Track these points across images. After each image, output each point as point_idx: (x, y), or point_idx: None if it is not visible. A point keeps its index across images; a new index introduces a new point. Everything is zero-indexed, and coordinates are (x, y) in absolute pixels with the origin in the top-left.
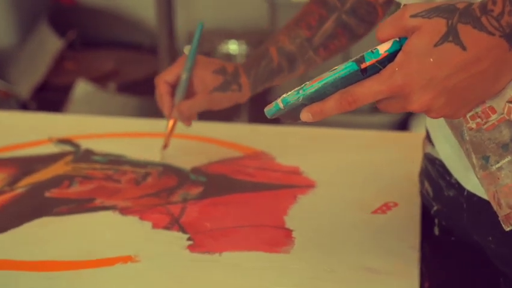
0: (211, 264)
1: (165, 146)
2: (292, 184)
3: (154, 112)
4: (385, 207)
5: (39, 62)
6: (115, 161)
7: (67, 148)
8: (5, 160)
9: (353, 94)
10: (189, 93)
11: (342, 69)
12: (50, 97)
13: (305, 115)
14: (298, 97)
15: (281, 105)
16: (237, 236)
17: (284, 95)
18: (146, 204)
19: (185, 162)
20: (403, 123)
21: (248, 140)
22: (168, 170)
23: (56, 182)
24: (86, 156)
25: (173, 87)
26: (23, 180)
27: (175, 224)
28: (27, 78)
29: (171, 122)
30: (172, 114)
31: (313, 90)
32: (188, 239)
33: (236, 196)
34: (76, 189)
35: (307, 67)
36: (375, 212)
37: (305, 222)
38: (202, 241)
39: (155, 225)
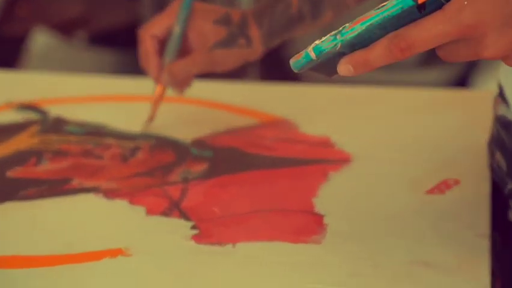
0: (223, 258)
1: (151, 118)
2: (322, 158)
3: (134, 70)
4: (444, 186)
5: None
6: (95, 132)
7: (31, 116)
8: None
9: (408, 38)
10: (183, 51)
11: (392, 5)
12: (1, 50)
13: (344, 67)
14: (336, 44)
15: (313, 55)
16: (253, 223)
17: (316, 42)
18: (136, 186)
19: (184, 133)
20: (461, 81)
21: (264, 104)
22: (163, 143)
23: (20, 158)
24: (57, 126)
25: (162, 43)
26: None
27: (174, 209)
28: None
29: (159, 88)
30: (161, 78)
31: (354, 34)
32: (193, 227)
33: (251, 174)
34: (46, 167)
35: (336, 13)
36: (430, 191)
37: (339, 206)
38: (209, 230)
39: (149, 211)
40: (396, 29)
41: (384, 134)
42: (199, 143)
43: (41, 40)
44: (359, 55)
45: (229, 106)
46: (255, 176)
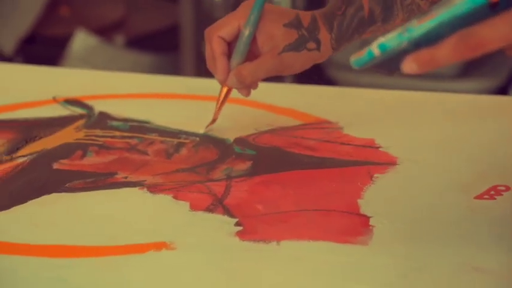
0: (267, 255)
1: (214, 120)
2: (367, 160)
3: (172, 73)
4: (493, 192)
5: (26, 7)
6: (139, 127)
7: (77, 110)
8: (1, 122)
9: (478, 36)
10: (250, 54)
11: (464, 3)
12: (39, 52)
13: (409, 65)
14: (401, 42)
15: (376, 53)
16: (298, 222)
17: (381, 39)
18: (181, 181)
19: (227, 132)
20: (501, 91)
21: (307, 106)
22: (206, 140)
23: (66, 151)
24: (102, 121)
25: (230, 44)
26: (25, 147)
27: (218, 205)
28: (11, 27)
29: (224, 90)
30: (228, 80)
31: (423, 32)
32: (237, 223)
33: (294, 174)
34: (92, 161)
35: (408, 15)
36: (479, 197)
37: (385, 208)
38: (254, 227)
39: (193, 207)
40: (465, 28)
41: (430, 138)
42: (242, 141)
43: (81, 41)
44: (426, 53)
45: (273, 106)
46: (299, 175)
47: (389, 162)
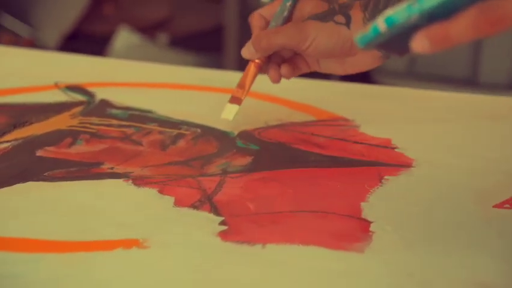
0: (249, 258)
1: (235, 99)
2: (379, 161)
3: None
4: None
5: (70, 4)
6: (139, 116)
7: (77, 97)
8: None
9: (500, 9)
10: None
11: None
12: (82, 48)
13: (420, 42)
14: (410, 15)
15: (382, 28)
16: (291, 224)
17: (389, 12)
18: (171, 174)
19: (234, 125)
20: None
21: (324, 101)
22: (208, 132)
23: (55, 138)
24: (101, 108)
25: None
26: (12, 133)
27: (205, 202)
28: (55, 23)
29: (250, 66)
30: (246, 46)
31: (436, 3)
32: (222, 222)
33: (297, 172)
34: (80, 149)
35: None
36: (499, 206)
37: (391, 213)
38: (239, 227)
39: (178, 202)
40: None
41: (452, 140)
42: (247, 135)
43: (124, 39)
44: (439, 28)
45: (288, 101)
46: (301, 174)
47: (403, 164)
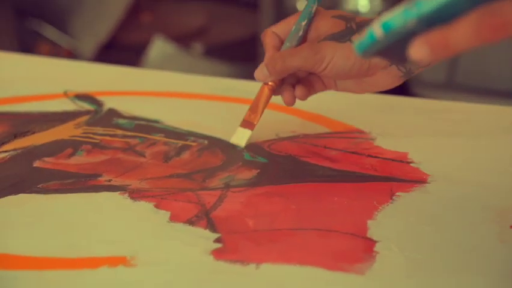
0: (242, 279)
1: (247, 123)
2: (391, 176)
3: None
4: None
5: (108, 12)
6: (145, 126)
7: (84, 106)
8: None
9: (503, 14)
10: None
11: None
12: (118, 58)
13: (418, 50)
14: (407, 19)
15: (378, 34)
16: (290, 242)
17: (385, 17)
18: (170, 188)
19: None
20: None
21: (340, 113)
22: (215, 144)
23: (56, 148)
24: (108, 118)
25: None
26: (11, 142)
27: (203, 217)
28: (92, 33)
29: (263, 89)
30: (258, 68)
31: (434, 7)
32: (217, 240)
33: (304, 186)
34: (80, 160)
35: None
36: None
37: (398, 233)
38: (235, 245)
39: (173, 217)
40: (488, 2)
41: (473, 154)
42: (255, 147)
43: (158, 49)
44: (438, 34)
45: (301, 111)
46: (307, 189)
47: (418, 180)
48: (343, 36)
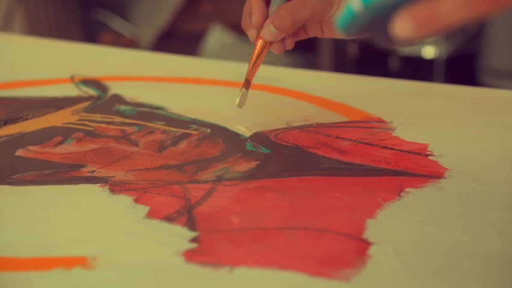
0: (207, 284)
1: (246, 84)
2: (405, 170)
3: None
4: None
5: (167, 1)
6: (147, 113)
7: (88, 91)
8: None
9: None
10: None
11: None
12: (176, 47)
13: (403, 25)
14: None
15: (357, 8)
16: (275, 243)
17: None
18: (157, 180)
19: (253, 126)
20: None
21: (362, 100)
22: (217, 133)
23: (45, 136)
24: (109, 104)
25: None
26: (0, 129)
27: (184, 213)
28: (151, 21)
29: (259, 44)
30: (264, 29)
31: None
32: (193, 239)
33: (304, 180)
34: (67, 149)
35: None
36: None
37: (399, 233)
38: (212, 245)
39: (152, 213)
40: None
41: (506, 150)
42: (261, 137)
43: (216, 38)
44: (425, 7)
45: (318, 98)
46: (308, 183)
47: (432, 175)
48: None
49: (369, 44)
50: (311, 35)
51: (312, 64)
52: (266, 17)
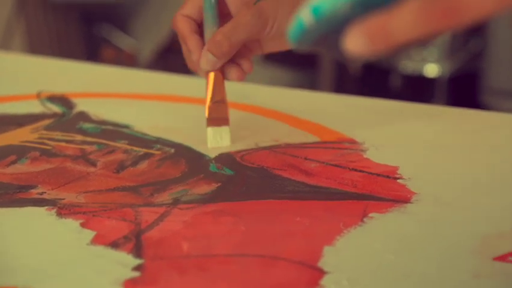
0: None
1: (219, 120)
2: (371, 194)
3: (309, 89)
4: None
5: (168, 16)
6: (111, 132)
7: (54, 108)
8: None
9: None
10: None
11: None
12: (176, 62)
13: (355, 39)
14: (338, 3)
15: (307, 20)
16: (223, 272)
17: (315, 1)
18: (108, 203)
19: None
20: None
21: (336, 119)
22: (181, 153)
23: None
24: (73, 122)
25: (200, 27)
26: None
27: (132, 239)
28: (151, 37)
29: (211, 76)
30: (202, 59)
31: None
32: (136, 267)
33: (264, 204)
34: (19, 169)
35: None
36: (501, 258)
37: (357, 262)
38: (155, 273)
39: (97, 239)
40: None
41: (476, 172)
42: (225, 158)
43: None
44: (377, 21)
45: (290, 117)
46: (269, 207)
47: (399, 199)
48: None
49: (370, 62)
50: (254, 54)
51: (312, 81)
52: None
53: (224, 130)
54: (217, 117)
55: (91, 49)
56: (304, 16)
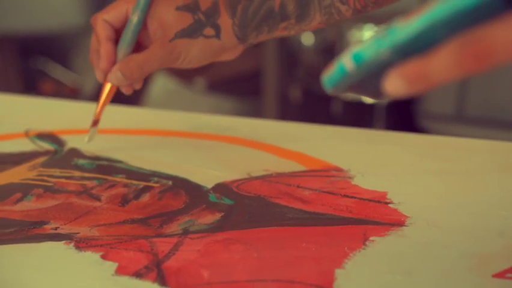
0: None
1: (94, 123)
2: (367, 219)
3: (254, 117)
4: None
5: None
6: (107, 167)
7: (45, 146)
8: None
9: (486, 40)
10: (141, 44)
11: None
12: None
13: (394, 83)
14: (379, 50)
15: (349, 67)
16: None
17: (356, 48)
18: (122, 235)
19: (214, 177)
20: None
21: (318, 148)
22: (180, 185)
23: (3, 193)
24: (67, 158)
25: (118, 32)
26: None
27: (153, 269)
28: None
29: (107, 87)
30: (111, 75)
31: (409, 35)
32: None
33: (269, 231)
34: (27, 206)
35: (327, 19)
36: (499, 275)
37: (366, 283)
38: None
39: (120, 270)
40: (469, 28)
41: (460, 195)
42: (222, 188)
43: (161, 85)
44: (415, 65)
45: (277, 148)
46: (274, 234)
47: (394, 223)
48: (194, 31)
49: (311, 89)
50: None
51: (256, 109)
52: (114, 63)
53: (92, 131)
54: (95, 120)
55: (29, 82)
56: (346, 62)
